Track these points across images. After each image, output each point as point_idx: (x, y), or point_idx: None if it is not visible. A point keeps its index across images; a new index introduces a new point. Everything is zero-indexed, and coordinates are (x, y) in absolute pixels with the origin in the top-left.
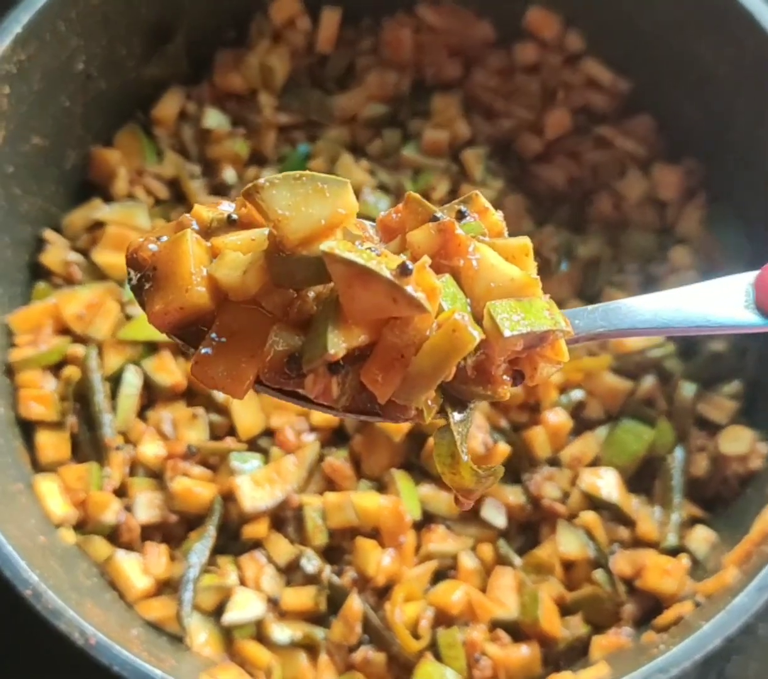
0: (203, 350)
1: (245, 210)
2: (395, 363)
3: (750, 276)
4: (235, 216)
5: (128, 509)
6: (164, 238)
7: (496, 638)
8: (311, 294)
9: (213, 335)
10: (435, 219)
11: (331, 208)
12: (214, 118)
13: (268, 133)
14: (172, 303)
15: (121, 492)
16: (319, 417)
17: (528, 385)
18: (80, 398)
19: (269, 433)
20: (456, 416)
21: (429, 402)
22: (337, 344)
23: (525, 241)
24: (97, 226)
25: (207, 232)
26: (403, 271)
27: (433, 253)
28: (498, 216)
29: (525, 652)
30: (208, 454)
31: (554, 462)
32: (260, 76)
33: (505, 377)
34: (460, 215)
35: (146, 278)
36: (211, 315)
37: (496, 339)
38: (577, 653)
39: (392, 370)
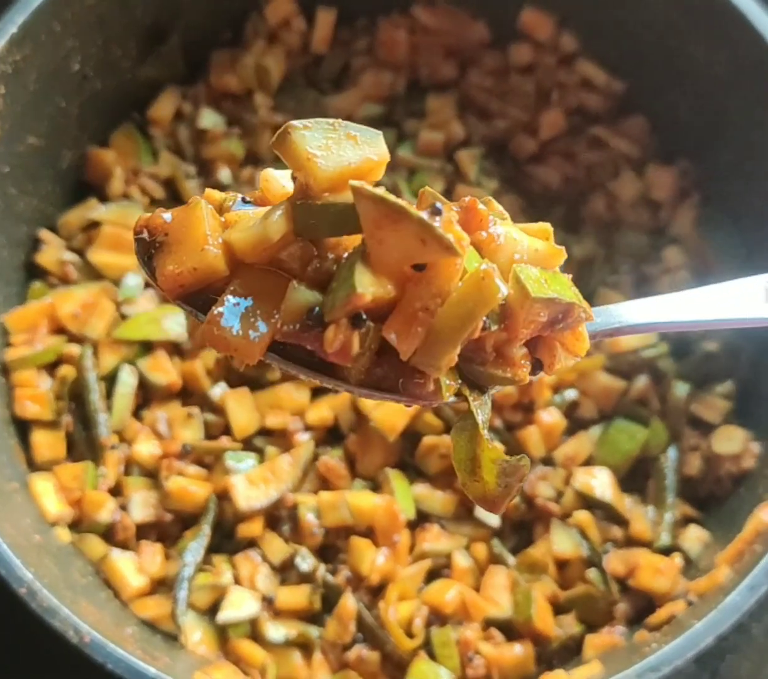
0: (217, 309)
1: (258, 193)
2: (419, 315)
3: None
4: (248, 198)
5: (123, 508)
6: None
7: (490, 637)
8: (331, 256)
9: (228, 296)
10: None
11: (363, 154)
12: (209, 119)
13: (264, 133)
14: (186, 263)
15: (116, 491)
16: (315, 416)
17: (546, 374)
18: (75, 397)
19: (264, 432)
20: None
21: (447, 381)
22: (365, 285)
23: (545, 226)
24: (93, 226)
25: (219, 211)
26: (434, 211)
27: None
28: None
29: (518, 651)
30: (203, 453)
31: (548, 461)
32: (256, 76)
33: (523, 362)
34: None
35: (156, 245)
36: (223, 282)
37: (522, 302)
38: (571, 651)
39: (416, 322)
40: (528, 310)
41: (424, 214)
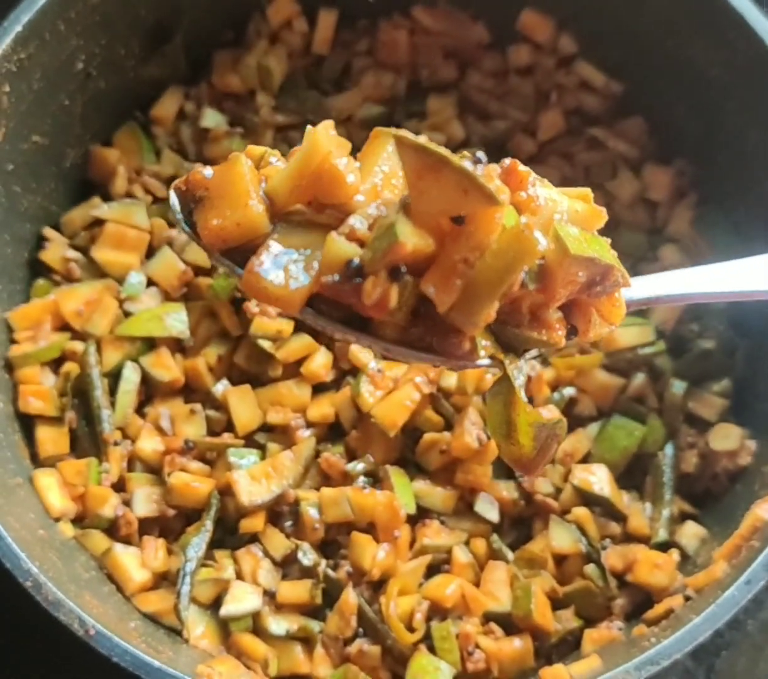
0: (259, 259)
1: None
2: (458, 267)
3: None
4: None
5: (126, 503)
6: None
7: (490, 631)
8: (371, 212)
9: (270, 246)
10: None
11: None
12: (212, 118)
13: (266, 132)
14: (230, 218)
15: (119, 487)
16: (316, 412)
17: (581, 340)
18: (79, 393)
19: (266, 428)
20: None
21: (483, 341)
22: (407, 235)
23: (585, 190)
24: (96, 224)
25: (258, 167)
26: (476, 160)
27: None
28: None
29: (518, 645)
30: (205, 449)
31: None
32: (258, 76)
33: (558, 325)
34: None
35: (197, 199)
36: (264, 239)
37: (561, 261)
38: (569, 646)
39: (454, 275)
40: (567, 269)
41: (466, 163)
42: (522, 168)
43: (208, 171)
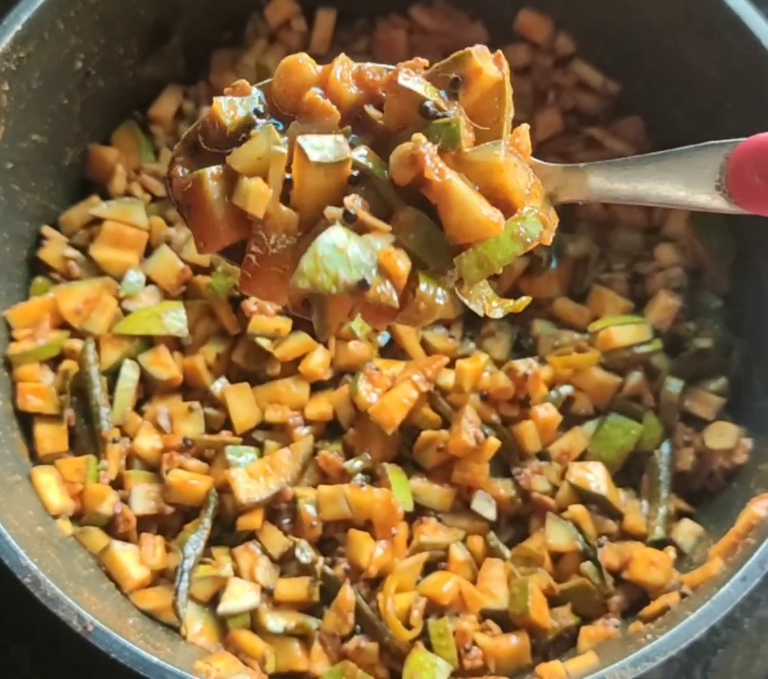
0: (244, 272)
1: (272, 87)
2: (382, 314)
3: (727, 149)
4: (260, 108)
5: (124, 501)
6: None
7: (486, 628)
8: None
9: (248, 259)
10: (424, 109)
11: None
12: None
13: None
14: (209, 244)
15: (117, 484)
16: (314, 410)
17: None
18: (78, 391)
19: (264, 426)
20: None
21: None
22: (327, 334)
23: (495, 160)
24: (95, 222)
25: (222, 135)
26: (362, 287)
27: (412, 179)
28: (493, 72)
29: (514, 642)
30: (203, 447)
31: (543, 456)
32: (256, 76)
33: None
34: (455, 84)
35: (183, 207)
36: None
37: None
38: (566, 643)
39: (382, 316)
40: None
41: (351, 295)
42: (428, 165)
43: (182, 178)
